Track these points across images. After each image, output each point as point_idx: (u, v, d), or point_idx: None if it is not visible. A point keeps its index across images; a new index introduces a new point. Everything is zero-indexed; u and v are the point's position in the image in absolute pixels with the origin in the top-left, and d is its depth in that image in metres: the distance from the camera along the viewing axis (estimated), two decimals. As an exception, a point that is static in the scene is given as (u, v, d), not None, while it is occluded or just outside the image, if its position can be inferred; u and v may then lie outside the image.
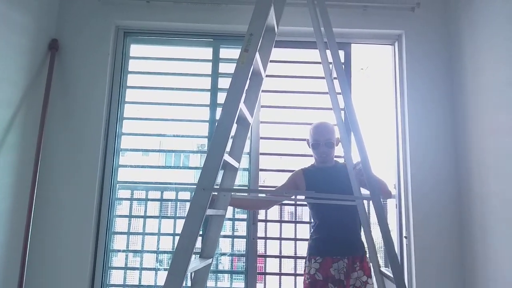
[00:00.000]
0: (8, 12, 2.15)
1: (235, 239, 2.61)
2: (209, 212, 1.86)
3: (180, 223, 2.59)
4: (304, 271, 2.21)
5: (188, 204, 2.65)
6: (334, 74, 2.12)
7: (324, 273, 2.13)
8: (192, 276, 1.99)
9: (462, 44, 2.49)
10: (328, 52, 2.13)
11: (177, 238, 2.52)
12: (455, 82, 2.56)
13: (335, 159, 2.37)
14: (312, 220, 2.34)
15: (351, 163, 2.28)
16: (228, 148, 1.95)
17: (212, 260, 2.06)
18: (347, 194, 2.13)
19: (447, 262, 2.42)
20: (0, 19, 2.09)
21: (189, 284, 2.11)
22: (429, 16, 2.64)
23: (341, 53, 2.66)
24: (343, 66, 2.43)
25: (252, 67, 1.78)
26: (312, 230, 2.28)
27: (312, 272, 2.15)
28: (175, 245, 1.55)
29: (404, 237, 2.54)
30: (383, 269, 2.05)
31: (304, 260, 2.25)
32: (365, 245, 2.16)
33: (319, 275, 2.14)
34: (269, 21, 2.07)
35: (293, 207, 2.74)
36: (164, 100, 2.69)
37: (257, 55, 1.88)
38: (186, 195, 2.66)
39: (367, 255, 2.15)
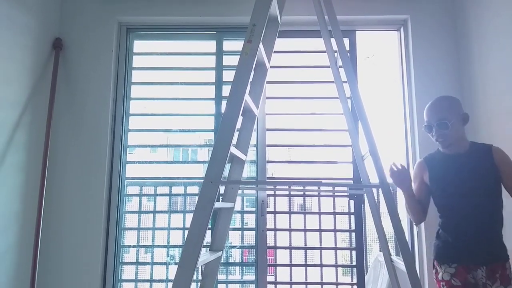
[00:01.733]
0: (11, 13, 2.16)
1: (244, 232, 2.61)
2: (218, 205, 1.87)
3: (189, 217, 2.58)
4: (436, 275, 1.90)
5: (196, 198, 2.65)
6: (340, 63, 2.10)
7: (462, 279, 1.78)
8: (203, 269, 2.00)
9: (469, 27, 2.44)
10: (332, 40, 2.11)
11: (186, 232, 2.54)
12: (462, 67, 2.52)
13: (471, 141, 1.91)
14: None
15: (359, 152, 2.26)
16: (234, 141, 1.94)
17: (222, 253, 2.06)
18: (483, 185, 1.79)
19: None
20: (3, 20, 2.10)
21: (200, 277, 2.12)
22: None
23: (346, 41, 2.63)
24: (348, 54, 2.40)
25: (256, 58, 1.77)
26: (438, 227, 1.95)
27: (447, 278, 1.81)
28: (185, 239, 1.54)
29: (415, 225, 2.52)
30: (394, 257, 2.02)
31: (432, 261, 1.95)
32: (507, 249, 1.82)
33: (456, 280, 1.79)
34: (272, 10, 2.05)
35: (302, 198, 2.73)
36: (169, 95, 2.69)
37: (261, 46, 1.86)
38: (194, 190, 2.66)
39: (510, 261, 1.81)
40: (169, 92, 2.69)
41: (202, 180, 1.61)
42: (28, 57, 2.31)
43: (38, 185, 2.31)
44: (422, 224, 2.42)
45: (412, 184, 1.98)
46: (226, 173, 2.05)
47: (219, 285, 2.52)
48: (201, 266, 1.94)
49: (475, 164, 1.83)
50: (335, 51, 2.18)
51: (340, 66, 2.19)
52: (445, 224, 1.89)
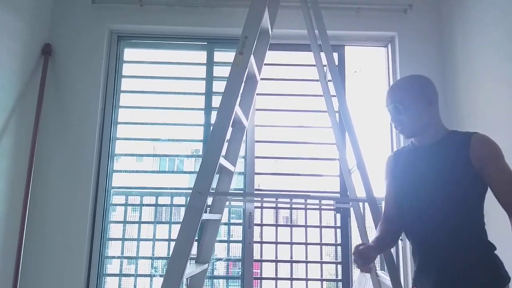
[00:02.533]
0: (0, 17, 2.13)
1: (230, 244, 2.59)
2: (205, 216, 1.85)
3: (175, 228, 2.57)
4: None
5: (183, 209, 2.64)
6: (329, 77, 2.13)
7: None
8: (188, 281, 1.98)
9: (455, 44, 2.50)
10: (322, 54, 2.14)
11: (172, 243, 2.50)
12: (448, 82, 2.58)
13: (453, 130, 1.49)
14: None
15: (346, 166, 2.28)
16: (223, 152, 1.93)
17: (208, 265, 2.04)
18: (450, 183, 1.36)
19: None
20: (-9, 24, 2.08)
21: (185, 289, 2.09)
22: (421, 17, 2.66)
23: (335, 56, 2.66)
24: (337, 68, 2.44)
25: (247, 69, 1.78)
26: None
27: None
28: (171, 251, 1.52)
29: (400, 239, 2.53)
30: (379, 272, 2.03)
31: None
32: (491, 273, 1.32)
33: None
34: (264, 23, 2.07)
35: (289, 210, 2.73)
36: (159, 104, 2.67)
37: (252, 58, 1.88)
38: (181, 200, 2.64)
39: None
40: (159, 101, 2.68)
41: (189, 191, 1.60)
42: (17, 62, 2.28)
43: (23, 191, 2.26)
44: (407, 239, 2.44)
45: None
46: (214, 184, 2.04)
47: (204, 297, 2.48)
48: (187, 278, 1.92)
49: (442, 160, 1.40)
50: (325, 65, 2.21)
51: (329, 80, 2.23)
52: (411, 243, 1.50)
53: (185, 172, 2.87)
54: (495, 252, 1.34)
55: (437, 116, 1.49)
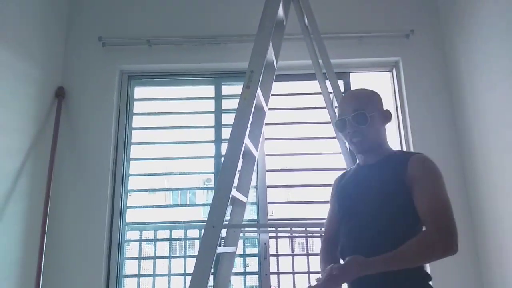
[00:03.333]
0: (15, 63, 2.22)
1: (247, 276, 2.56)
2: (220, 250, 1.85)
3: (190, 262, 2.56)
4: None
5: (197, 242, 2.63)
6: (335, 104, 2.16)
7: None
8: (206, 316, 1.95)
9: (459, 64, 2.53)
10: (327, 82, 2.18)
11: (188, 277, 2.49)
12: (455, 103, 2.59)
13: (398, 150, 1.48)
14: None
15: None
16: (235, 183, 1.95)
17: (225, 298, 2.02)
18: (386, 201, 1.31)
19: (464, 277, 2.35)
20: (7, 70, 2.16)
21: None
22: (424, 41, 2.70)
23: (341, 83, 2.71)
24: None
25: (255, 102, 1.82)
26: None
27: None
28: (186, 285, 1.52)
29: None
30: None
31: None
32: None
33: None
34: (269, 57, 2.13)
35: (304, 239, 2.70)
36: (170, 139, 2.72)
37: (259, 91, 1.92)
38: (195, 233, 2.64)
39: None
40: (170, 136, 2.73)
41: (202, 223, 1.61)
42: (31, 106, 2.36)
43: (38, 233, 2.29)
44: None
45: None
46: (227, 215, 2.04)
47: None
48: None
49: (380, 176, 1.36)
50: (331, 93, 2.24)
51: (336, 107, 2.25)
52: None
53: (198, 205, 2.87)
54: (430, 282, 1.30)
55: (386, 135, 1.46)
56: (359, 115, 1.38)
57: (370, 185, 1.37)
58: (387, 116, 1.44)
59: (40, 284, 2.21)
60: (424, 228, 1.25)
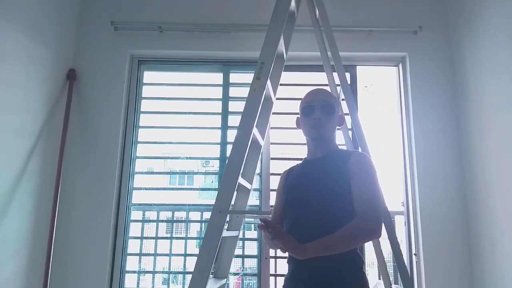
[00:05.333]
0: (29, 45, 2.26)
1: (245, 259, 2.65)
2: (224, 233, 1.92)
3: (191, 244, 2.66)
4: None
5: (196, 224, 2.72)
6: (342, 96, 2.21)
7: None
8: (207, 296, 2.04)
9: (465, 63, 2.57)
10: (335, 74, 2.22)
11: (188, 258, 2.59)
12: (459, 101, 2.63)
13: (340, 148, 1.63)
14: None
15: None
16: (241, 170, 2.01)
17: (226, 280, 2.10)
18: (330, 189, 1.46)
19: (458, 278, 2.44)
20: (21, 52, 2.21)
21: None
22: (431, 38, 2.73)
23: (347, 75, 2.73)
24: (350, 87, 2.51)
25: (264, 93, 1.86)
26: None
27: None
28: (194, 267, 1.59)
29: (414, 254, 2.57)
30: (393, 286, 2.06)
31: None
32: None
33: None
34: (279, 49, 2.16)
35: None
36: (177, 123, 2.78)
37: (268, 82, 1.96)
38: (195, 216, 2.73)
39: None
40: (177, 121, 2.79)
41: (205, 206, 1.65)
42: (44, 87, 2.41)
43: (49, 210, 2.37)
44: (421, 252, 2.48)
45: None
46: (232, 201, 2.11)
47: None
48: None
49: (325, 169, 1.51)
50: (338, 85, 2.28)
51: (342, 99, 2.30)
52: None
53: (197, 189, 2.95)
54: (363, 268, 1.45)
55: (335, 134, 1.64)
56: (328, 105, 1.57)
57: (315, 178, 1.52)
58: (341, 119, 1.66)
59: (51, 258, 2.31)
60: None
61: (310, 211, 1.47)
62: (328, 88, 2.39)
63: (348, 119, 2.30)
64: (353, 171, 1.45)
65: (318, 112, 1.55)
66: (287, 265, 1.57)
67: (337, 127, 1.64)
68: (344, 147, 2.41)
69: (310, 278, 1.40)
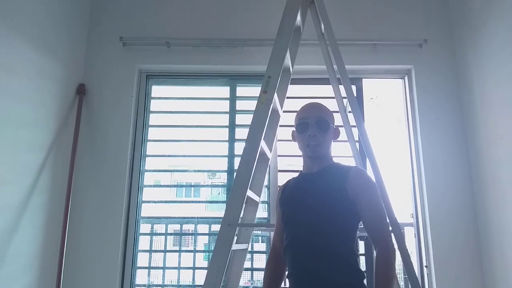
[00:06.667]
0: (39, 60, 2.31)
1: (254, 272, 2.65)
2: (233, 247, 1.93)
3: (199, 256, 2.67)
4: None
5: (205, 237, 2.72)
6: (349, 108, 2.23)
7: None
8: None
9: (470, 75, 2.58)
10: (341, 87, 2.24)
11: (196, 271, 2.58)
12: (465, 112, 2.64)
13: (335, 160, 1.62)
14: None
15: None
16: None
17: (236, 293, 2.10)
18: (326, 205, 1.45)
19: (465, 268, 2.44)
20: (32, 67, 2.25)
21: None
22: (436, 51, 2.75)
23: (353, 88, 2.75)
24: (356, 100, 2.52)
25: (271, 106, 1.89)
26: None
27: None
28: (204, 281, 1.60)
29: (425, 266, 2.55)
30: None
31: None
32: None
33: None
34: (285, 62, 2.19)
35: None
36: (185, 137, 2.81)
37: (275, 95, 1.98)
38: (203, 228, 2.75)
39: None
40: (185, 134, 2.82)
41: (213, 219, 1.65)
42: (54, 102, 2.45)
43: (59, 225, 2.39)
44: (432, 263, 2.46)
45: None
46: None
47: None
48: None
49: (322, 184, 1.49)
50: (344, 97, 2.30)
51: (349, 111, 2.32)
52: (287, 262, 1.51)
53: (205, 202, 2.97)
54: (364, 281, 1.42)
55: (331, 148, 1.62)
56: (323, 121, 1.55)
57: (312, 192, 1.49)
58: (336, 133, 1.63)
59: (62, 273, 2.32)
60: (367, 234, 1.44)
61: (305, 232, 1.45)
62: (334, 101, 2.42)
63: (355, 131, 2.32)
64: (356, 191, 1.44)
65: (313, 129, 1.54)
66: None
67: (333, 141, 1.64)
68: (351, 159, 2.42)
69: None
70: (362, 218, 1.43)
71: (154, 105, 2.86)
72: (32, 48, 2.25)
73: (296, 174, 1.71)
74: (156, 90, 2.90)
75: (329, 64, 2.34)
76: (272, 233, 1.76)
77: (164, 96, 2.92)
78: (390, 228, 1.54)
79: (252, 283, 2.65)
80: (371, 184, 1.47)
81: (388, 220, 1.45)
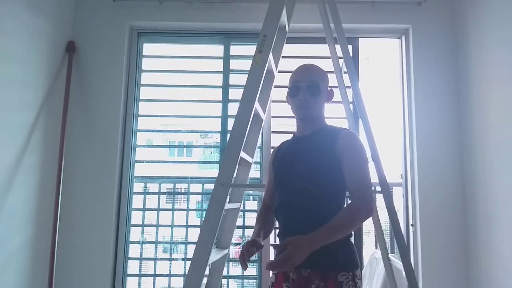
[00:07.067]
0: (28, 18, 2.22)
1: (246, 229, 2.72)
2: (226, 206, 1.96)
3: (192, 214, 2.73)
4: None
5: (198, 196, 2.77)
6: (344, 69, 2.19)
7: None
8: (210, 266, 2.10)
9: (468, 36, 2.54)
10: (337, 46, 2.20)
11: (189, 229, 2.65)
12: (461, 74, 2.62)
13: (328, 123, 1.63)
14: None
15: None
16: (242, 144, 2.02)
17: (228, 250, 2.16)
18: (316, 170, 1.48)
19: (453, 249, 2.51)
20: (21, 25, 2.17)
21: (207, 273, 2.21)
22: (435, 10, 2.69)
23: (349, 48, 2.71)
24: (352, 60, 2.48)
25: (266, 67, 1.85)
26: None
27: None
28: (197, 238, 1.63)
29: (411, 225, 2.63)
30: (390, 255, 2.12)
31: None
32: (348, 258, 1.46)
33: None
34: (281, 21, 2.13)
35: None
36: (177, 96, 2.77)
37: (270, 55, 1.94)
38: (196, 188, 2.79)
39: (347, 274, 1.42)
40: (177, 94, 2.78)
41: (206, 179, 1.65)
42: (43, 60, 2.38)
43: (53, 184, 2.40)
44: (418, 222, 2.54)
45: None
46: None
47: (222, 279, 2.62)
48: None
49: (312, 149, 1.52)
50: (340, 57, 2.26)
51: (345, 72, 2.29)
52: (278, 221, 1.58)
53: (210, 162, 2.98)
54: (351, 239, 1.50)
55: (324, 110, 1.63)
56: (314, 86, 1.55)
57: (304, 156, 1.53)
58: (330, 95, 1.63)
59: (57, 230, 2.36)
60: (348, 194, 1.48)
61: (294, 195, 1.50)
62: (330, 61, 2.38)
63: (349, 92, 2.31)
64: (343, 152, 1.47)
65: (304, 93, 1.55)
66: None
67: (326, 103, 1.64)
68: (344, 120, 2.42)
69: None
70: (345, 177, 1.46)
71: (146, 63, 2.79)
72: (20, 5, 2.16)
73: (289, 136, 1.73)
74: (148, 48, 2.83)
75: (326, 23, 2.28)
76: (264, 193, 1.77)
77: (156, 55, 2.85)
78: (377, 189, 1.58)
79: (243, 240, 2.73)
80: (359, 147, 1.49)
81: (371, 185, 1.45)
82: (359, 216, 1.38)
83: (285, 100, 1.69)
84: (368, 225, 3.09)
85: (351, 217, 1.37)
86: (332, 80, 2.39)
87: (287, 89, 1.64)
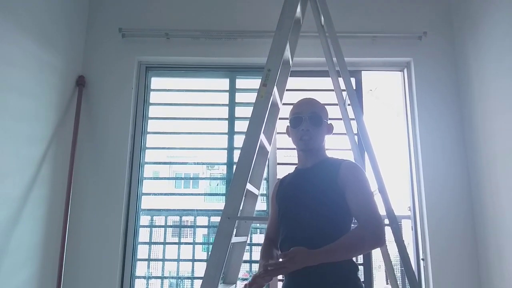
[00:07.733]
0: (39, 52, 2.30)
1: (252, 264, 2.67)
2: (233, 240, 1.94)
3: (198, 248, 2.69)
4: None
5: (204, 229, 2.74)
6: (348, 101, 2.22)
7: None
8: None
9: (469, 68, 2.58)
10: (340, 79, 2.24)
11: (196, 263, 2.61)
12: (464, 106, 2.64)
13: (329, 155, 1.64)
14: None
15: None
16: (248, 176, 2.03)
17: (235, 285, 2.12)
18: (320, 202, 1.47)
19: (465, 284, 2.44)
20: (32, 59, 2.24)
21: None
22: (436, 43, 2.74)
23: (352, 80, 2.76)
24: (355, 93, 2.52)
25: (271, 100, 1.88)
26: None
27: None
28: (204, 273, 1.61)
29: (422, 259, 2.58)
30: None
31: None
32: None
33: None
34: (285, 55, 2.18)
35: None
36: (184, 129, 2.81)
37: (275, 88, 1.98)
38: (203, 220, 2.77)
39: None
40: (184, 127, 2.82)
41: (213, 211, 1.65)
42: (54, 94, 2.44)
43: (60, 217, 2.40)
44: (429, 256, 2.48)
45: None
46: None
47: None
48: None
49: (315, 181, 1.51)
50: (343, 90, 2.30)
51: (348, 104, 2.32)
52: None
53: (214, 194, 2.97)
54: (358, 274, 1.46)
55: (325, 143, 1.65)
56: (316, 117, 1.57)
57: (307, 188, 1.53)
58: (330, 129, 1.65)
59: (63, 264, 2.34)
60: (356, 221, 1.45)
61: (299, 229, 1.49)
62: (333, 94, 2.42)
63: (354, 124, 2.32)
64: (345, 182, 1.46)
65: (306, 124, 1.57)
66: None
67: (326, 135, 1.65)
68: (350, 152, 2.42)
69: (308, 284, 1.41)
70: (350, 208, 1.44)
71: (153, 97, 2.85)
72: (32, 41, 2.24)
73: (293, 168, 1.72)
74: (156, 82, 2.90)
75: (329, 57, 2.33)
76: (267, 226, 1.76)
77: (163, 88, 2.91)
78: (386, 222, 1.56)
79: (251, 275, 2.67)
80: (361, 176, 1.49)
81: (378, 212, 1.42)
82: (364, 242, 1.35)
83: (286, 134, 1.71)
84: (378, 259, 3.03)
85: (356, 242, 1.35)
86: (337, 112, 2.43)
87: (288, 122, 1.66)
